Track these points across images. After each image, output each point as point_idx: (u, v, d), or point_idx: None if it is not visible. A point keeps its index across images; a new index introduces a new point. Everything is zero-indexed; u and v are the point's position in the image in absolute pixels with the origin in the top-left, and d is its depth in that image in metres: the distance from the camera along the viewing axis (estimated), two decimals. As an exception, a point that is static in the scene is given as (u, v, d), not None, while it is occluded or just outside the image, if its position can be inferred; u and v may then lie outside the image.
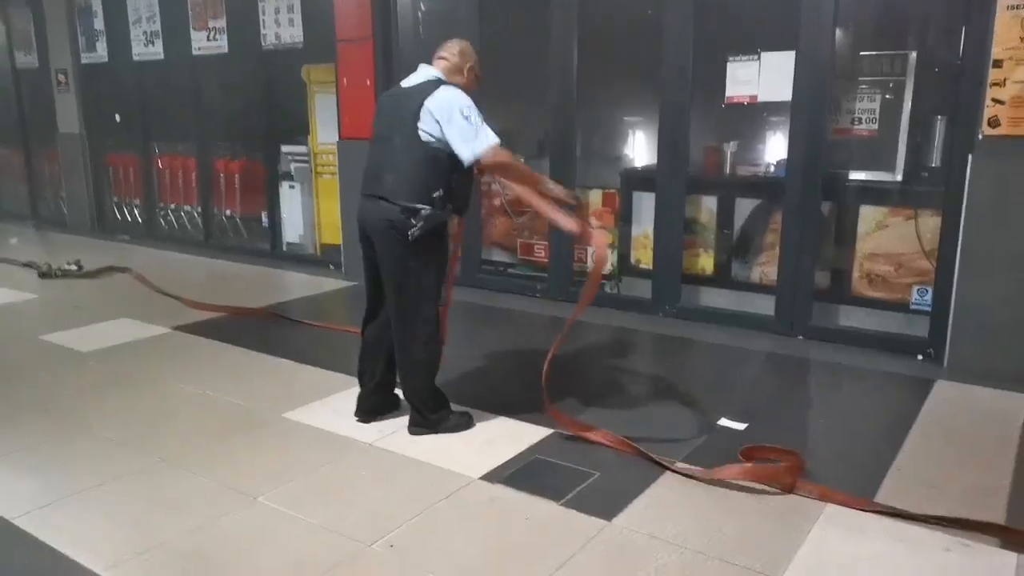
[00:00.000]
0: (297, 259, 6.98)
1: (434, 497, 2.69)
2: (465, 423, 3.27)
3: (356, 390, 3.38)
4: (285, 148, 7.09)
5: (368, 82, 5.95)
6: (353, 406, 3.37)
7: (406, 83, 3.15)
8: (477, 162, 2.96)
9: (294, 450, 3.11)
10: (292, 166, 7.06)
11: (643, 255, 5.41)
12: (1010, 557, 2.33)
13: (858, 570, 2.28)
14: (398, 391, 3.36)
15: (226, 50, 7.19)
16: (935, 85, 4.44)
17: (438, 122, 2.93)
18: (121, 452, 3.08)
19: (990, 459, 3.00)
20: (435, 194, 2.96)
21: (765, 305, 4.79)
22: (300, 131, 6.83)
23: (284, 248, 7.20)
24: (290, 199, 7.06)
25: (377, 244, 3.10)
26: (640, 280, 5.39)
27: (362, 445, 3.13)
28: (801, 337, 4.56)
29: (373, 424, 3.32)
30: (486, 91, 5.84)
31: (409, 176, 2.99)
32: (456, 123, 2.91)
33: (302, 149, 6.89)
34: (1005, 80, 3.65)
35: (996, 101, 3.68)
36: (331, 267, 6.61)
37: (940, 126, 4.35)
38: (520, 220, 5.93)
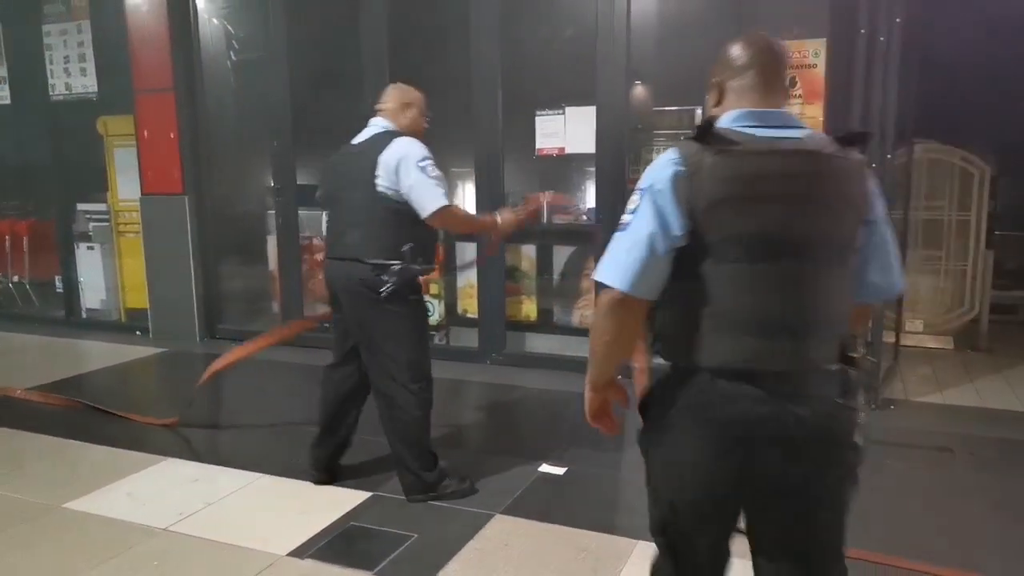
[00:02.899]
0: (99, 326, 6.36)
1: (234, 582, 2.47)
2: (468, 490, 3.08)
3: (154, 468, 3.04)
4: (81, 206, 6.51)
5: (172, 135, 5.62)
6: (152, 486, 3.05)
7: (356, 140, 3.04)
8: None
9: (74, 545, 2.75)
10: (90, 225, 6.47)
11: (469, 304, 5.43)
12: None
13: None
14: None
15: (8, 100, 6.56)
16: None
17: (396, 175, 2.84)
18: None
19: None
20: (404, 247, 2.86)
21: (586, 347, 4.92)
22: (98, 187, 6.30)
23: (84, 315, 6.54)
24: (89, 261, 6.45)
25: (348, 306, 2.96)
26: (467, 329, 5.40)
27: (156, 531, 2.83)
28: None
29: (172, 505, 3.02)
30: (305, 144, 5.68)
31: (375, 233, 2.88)
32: (412, 178, 2.83)
33: (101, 207, 6.35)
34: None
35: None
36: (138, 333, 6.09)
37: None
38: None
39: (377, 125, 3.03)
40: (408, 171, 2.83)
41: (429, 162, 2.88)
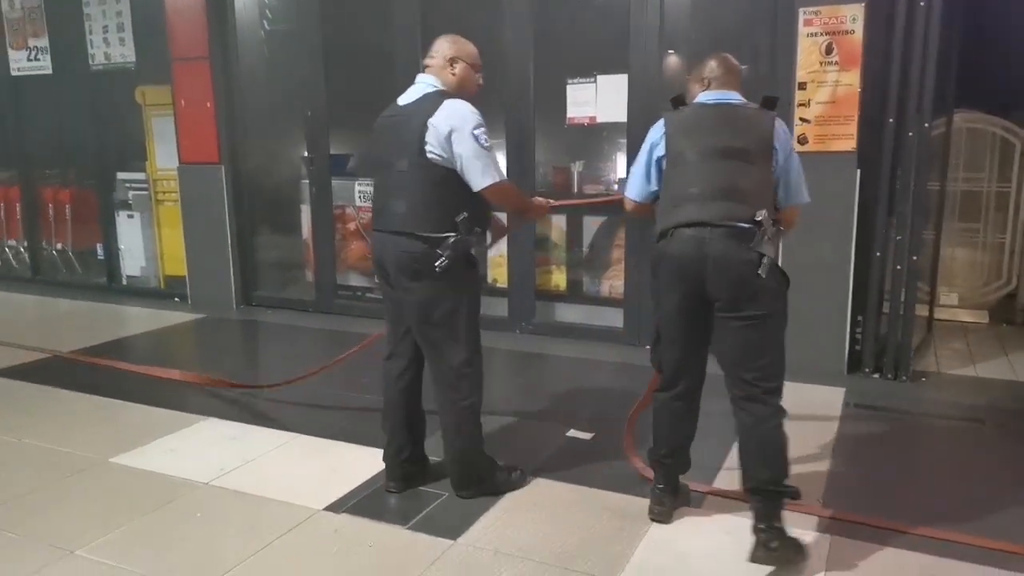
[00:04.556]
0: (139, 293, 6.56)
1: (273, 533, 2.57)
2: (518, 481, 2.93)
3: (195, 427, 3.14)
4: (121, 175, 6.67)
5: (208, 104, 5.72)
6: (193, 443, 3.16)
7: (403, 100, 2.75)
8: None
9: (121, 496, 2.88)
10: (130, 194, 6.64)
11: (499, 274, 5.48)
12: (824, 539, 2.51)
13: (690, 565, 2.39)
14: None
15: (50, 71, 6.70)
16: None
17: (448, 142, 2.58)
18: (-87, 515, 2.74)
19: (811, 450, 3.23)
20: (459, 218, 2.60)
21: (614, 317, 4.97)
22: (137, 156, 6.45)
23: (124, 282, 6.74)
24: (129, 229, 6.63)
25: (397, 282, 2.71)
26: (496, 299, 5.45)
27: (198, 485, 2.95)
28: (648, 347, 4.73)
29: (213, 462, 3.14)
30: (338, 114, 5.70)
31: (426, 203, 2.62)
32: (467, 147, 2.57)
33: (140, 176, 6.50)
34: (809, 101, 4.00)
35: (803, 120, 4.02)
36: (176, 299, 6.26)
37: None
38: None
39: (424, 83, 2.74)
40: (461, 140, 2.57)
41: (483, 130, 2.62)
